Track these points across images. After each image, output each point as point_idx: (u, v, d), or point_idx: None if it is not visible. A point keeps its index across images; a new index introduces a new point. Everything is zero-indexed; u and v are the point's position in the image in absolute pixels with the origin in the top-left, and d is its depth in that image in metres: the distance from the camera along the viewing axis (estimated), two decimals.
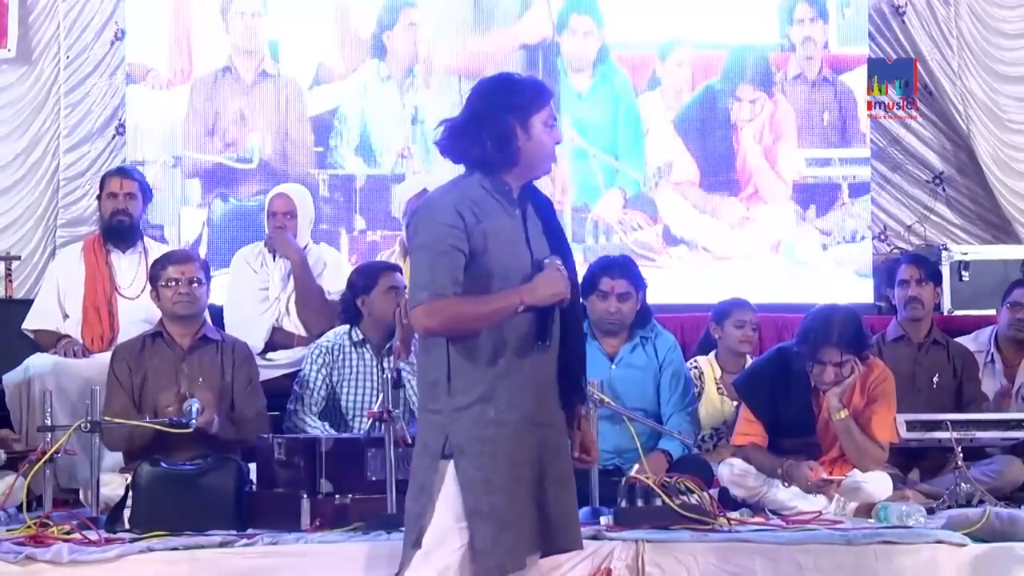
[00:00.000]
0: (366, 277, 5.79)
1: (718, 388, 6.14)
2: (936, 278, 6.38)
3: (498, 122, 3.49)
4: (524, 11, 7.90)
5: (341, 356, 5.73)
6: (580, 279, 5.60)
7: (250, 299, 6.40)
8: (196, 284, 5.46)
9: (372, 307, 5.71)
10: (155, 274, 5.52)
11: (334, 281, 6.40)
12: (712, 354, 6.21)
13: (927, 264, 6.45)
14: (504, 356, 3.47)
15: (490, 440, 3.44)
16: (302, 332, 6.27)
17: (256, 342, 6.07)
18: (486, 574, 3.41)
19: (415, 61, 7.82)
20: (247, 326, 6.20)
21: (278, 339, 6.30)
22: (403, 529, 3.55)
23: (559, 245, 3.62)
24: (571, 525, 3.57)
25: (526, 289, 3.47)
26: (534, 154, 3.55)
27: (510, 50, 7.87)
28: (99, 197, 6.57)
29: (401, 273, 5.80)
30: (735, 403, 6.05)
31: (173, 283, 5.43)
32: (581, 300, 5.60)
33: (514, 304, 3.45)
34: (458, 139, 3.54)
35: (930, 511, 5.11)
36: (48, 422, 4.99)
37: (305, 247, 6.45)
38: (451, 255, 3.44)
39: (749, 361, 6.26)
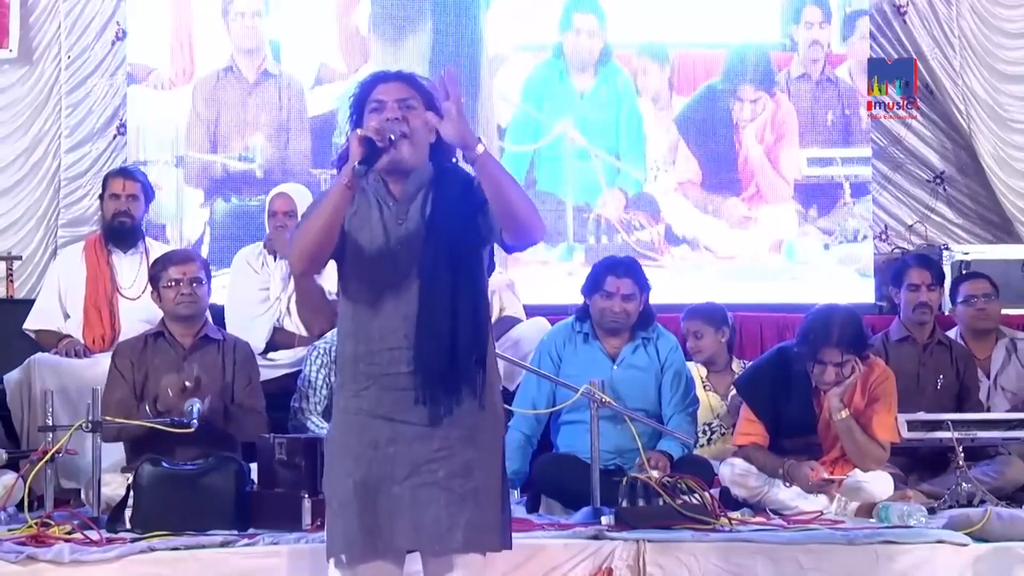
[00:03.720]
0: None
1: (705, 386, 6.19)
2: (942, 281, 6.39)
3: (344, 133, 3.57)
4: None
5: None
6: (584, 279, 5.69)
7: (251, 299, 6.40)
8: (197, 284, 5.46)
9: None
10: (156, 274, 5.51)
11: (331, 280, 6.40)
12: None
13: (935, 267, 6.45)
14: (352, 344, 3.47)
15: (337, 426, 3.50)
16: (303, 332, 6.27)
17: (257, 342, 6.07)
18: (330, 559, 3.43)
19: (414, 61, 7.82)
20: (248, 326, 6.20)
21: (279, 339, 6.31)
22: None
23: (432, 227, 3.46)
24: (431, 527, 3.38)
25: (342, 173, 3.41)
26: None
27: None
28: (101, 197, 6.57)
29: None
30: (724, 400, 6.10)
31: (175, 283, 5.43)
32: (586, 300, 5.65)
33: (338, 185, 3.39)
34: (338, 161, 3.56)
35: (931, 511, 5.11)
36: (49, 422, 4.99)
37: None
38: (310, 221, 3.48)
39: (737, 364, 6.32)
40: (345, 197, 3.39)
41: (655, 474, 4.90)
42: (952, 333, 6.44)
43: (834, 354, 5.20)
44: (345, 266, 3.51)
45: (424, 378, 3.42)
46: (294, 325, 6.35)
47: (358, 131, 3.39)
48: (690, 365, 6.15)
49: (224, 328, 5.99)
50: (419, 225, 3.48)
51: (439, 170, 3.54)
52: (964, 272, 6.84)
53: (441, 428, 3.44)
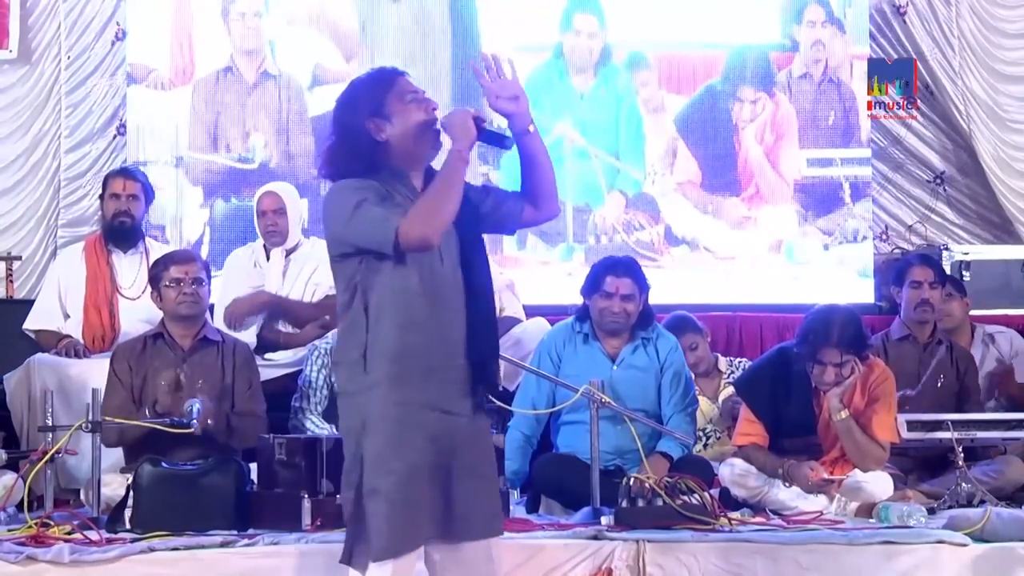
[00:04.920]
0: None
1: (698, 391, 6.20)
2: (944, 281, 6.39)
3: (351, 130, 3.51)
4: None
5: None
6: (584, 280, 5.69)
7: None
8: (198, 284, 5.45)
9: None
10: (156, 274, 5.49)
11: (329, 275, 6.40)
12: None
13: (937, 266, 6.46)
14: (408, 336, 3.44)
15: (392, 419, 3.42)
16: (290, 330, 6.28)
17: (247, 339, 6.06)
18: (376, 555, 3.37)
19: (415, 60, 7.82)
20: None
21: (267, 337, 6.28)
22: None
23: (466, 229, 3.55)
24: (475, 516, 3.50)
25: (458, 143, 3.45)
26: (403, 135, 3.52)
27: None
28: (101, 197, 6.57)
29: None
30: (715, 402, 6.12)
31: (176, 283, 5.41)
32: (586, 300, 5.65)
33: (459, 164, 3.43)
34: (324, 160, 3.56)
35: (931, 511, 5.11)
36: (49, 422, 5.00)
37: (297, 244, 6.44)
38: (380, 199, 3.45)
39: (723, 361, 6.32)
40: (464, 172, 3.46)
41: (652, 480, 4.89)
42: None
43: (834, 354, 5.20)
44: (393, 259, 3.46)
45: (473, 369, 3.51)
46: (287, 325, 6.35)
47: (470, 109, 3.49)
48: None
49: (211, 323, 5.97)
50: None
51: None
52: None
53: (477, 418, 3.56)
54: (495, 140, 3.54)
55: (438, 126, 3.51)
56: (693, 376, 6.21)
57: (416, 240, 3.40)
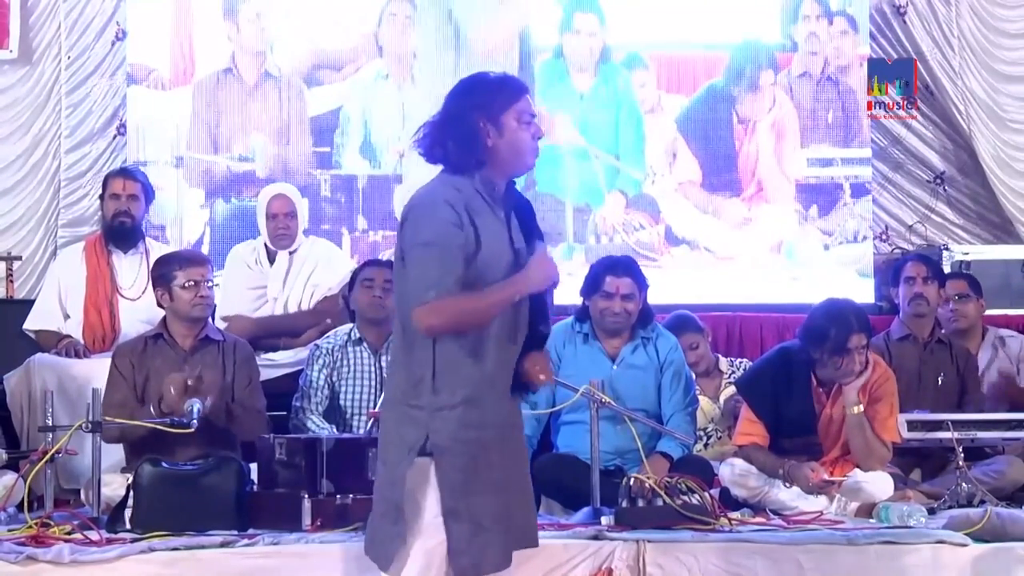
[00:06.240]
0: (352, 274, 5.87)
1: (698, 391, 6.20)
2: (941, 278, 6.39)
3: (464, 123, 3.51)
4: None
5: (341, 355, 5.76)
6: (583, 280, 5.70)
7: (242, 297, 6.39)
8: (210, 286, 5.44)
9: (355, 302, 5.78)
10: (166, 273, 5.40)
11: (327, 275, 6.42)
12: None
13: (933, 263, 6.48)
14: (489, 358, 3.48)
15: (472, 442, 3.45)
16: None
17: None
18: (461, 573, 3.42)
19: (414, 60, 7.82)
20: None
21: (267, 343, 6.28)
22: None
23: (533, 243, 3.64)
24: (532, 524, 3.65)
25: (519, 278, 3.49)
26: (508, 151, 3.54)
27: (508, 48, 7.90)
28: (101, 197, 6.57)
29: (380, 267, 5.80)
30: (715, 402, 6.11)
31: (194, 285, 5.36)
32: (585, 300, 5.65)
33: (511, 294, 3.48)
34: (431, 141, 3.56)
35: (931, 511, 5.11)
36: (49, 422, 4.99)
37: (298, 245, 6.44)
38: (457, 254, 3.44)
39: (724, 362, 6.32)
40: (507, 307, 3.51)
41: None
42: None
43: (860, 338, 5.24)
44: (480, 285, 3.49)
45: (521, 382, 3.60)
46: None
47: (557, 273, 3.61)
48: None
49: (212, 322, 5.98)
50: None
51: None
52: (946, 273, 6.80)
53: (520, 427, 3.69)
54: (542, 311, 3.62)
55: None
56: (694, 375, 6.22)
57: (424, 328, 3.45)
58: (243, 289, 6.41)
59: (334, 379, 5.73)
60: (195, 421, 4.99)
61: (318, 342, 5.92)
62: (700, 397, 6.18)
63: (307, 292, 6.35)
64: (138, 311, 6.22)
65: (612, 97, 7.92)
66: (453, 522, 3.42)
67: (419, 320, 3.44)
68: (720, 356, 6.51)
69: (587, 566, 4.49)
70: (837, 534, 4.70)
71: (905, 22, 8.08)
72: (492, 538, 3.44)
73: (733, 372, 6.35)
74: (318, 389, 5.76)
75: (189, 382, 5.08)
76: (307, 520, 4.67)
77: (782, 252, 7.93)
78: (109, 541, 4.52)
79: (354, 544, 4.46)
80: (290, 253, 6.44)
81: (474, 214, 3.49)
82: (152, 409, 5.16)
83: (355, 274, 5.89)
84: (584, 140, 7.87)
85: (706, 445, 6.17)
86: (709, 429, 6.22)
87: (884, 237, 8.04)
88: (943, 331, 6.33)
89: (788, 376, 5.38)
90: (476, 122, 3.51)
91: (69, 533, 4.59)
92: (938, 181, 8.11)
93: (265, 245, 6.52)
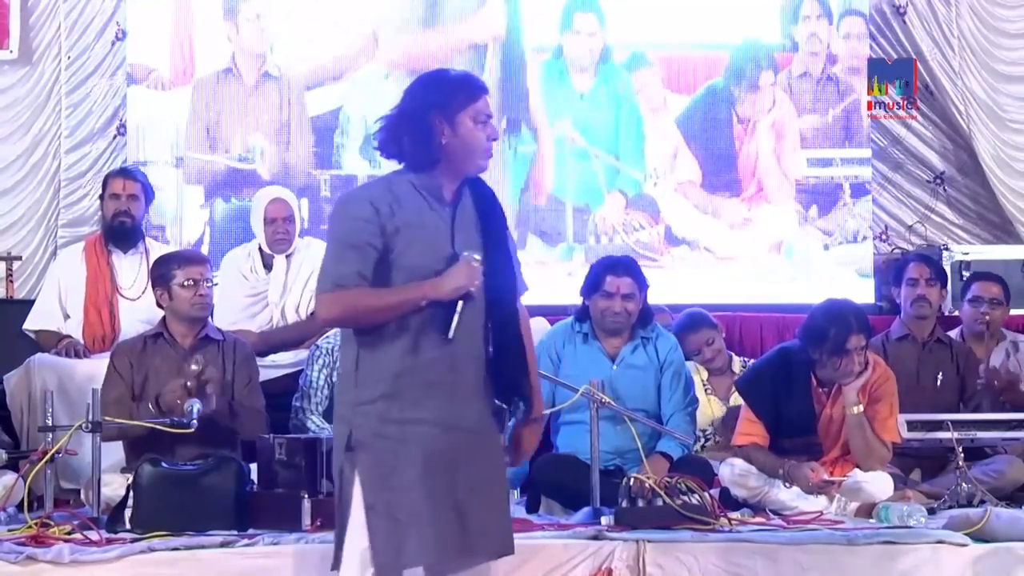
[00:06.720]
0: None
1: (706, 389, 6.20)
2: (943, 279, 6.40)
3: (419, 120, 3.50)
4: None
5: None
6: (583, 280, 5.70)
7: (238, 305, 6.37)
8: (210, 285, 5.44)
9: None
10: (166, 273, 5.40)
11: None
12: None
13: (935, 265, 6.48)
14: (409, 353, 3.44)
15: (390, 438, 3.42)
16: None
17: None
18: (380, 571, 3.38)
19: (417, 59, 7.82)
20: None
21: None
22: None
23: (493, 242, 3.57)
24: (491, 532, 3.50)
25: (430, 283, 3.45)
26: (461, 151, 3.53)
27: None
28: (101, 197, 6.57)
29: None
30: (725, 404, 6.09)
31: (193, 284, 5.36)
32: (585, 300, 5.64)
33: (415, 298, 3.44)
34: (386, 136, 3.55)
35: (931, 511, 5.11)
36: (49, 422, 4.99)
37: (295, 248, 6.43)
38: (360, 249, 3.44)
39: (737, 361, 6.31)
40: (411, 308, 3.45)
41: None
42: (953, 334, 6.44)
43: (860, 339, 5.24)
44: (393, 270, 3.48)
45: (496, 383, 3.53)
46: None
47: (476, 283, 3.46)
48: (692, 368, 6.17)
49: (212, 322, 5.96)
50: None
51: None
52: (979, 272, 6.76)
53: (486, 432, 3.55)
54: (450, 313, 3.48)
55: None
56: (707, 373, 6.22)
57: (322, 318, 3.54)
58: (240, 298, 6.39)
59: (334, 379, 5.73)
60: (195, 421, 4.99)
61: (318, 342, 5.92)
62: (709, 396, 6.18)
63: (306, 295, 6.34)
64: (138, 311, 6.21)
65: (612, 97, 7.92)
66: (372, 518, 3.39)
67: (317, 310, 3.52)
68: (733, 355, 6.47)
69: (587, 566, 4.49)
70: (837, 534, 4.70)
71: (905, 22, 8.07)
72: (411, 533, 3.37)
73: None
74: (318, 389, 5.76)
75: (188, 383, 5.08)
76: (307, 520, 4.67)
77: (782, 252, 7.93)
78: (109, 541, 4.52)
79: None
80: (287, 257, 6.42)
81: (403, 211, 3.47)
82: (151, 407, 5.17)
83: None
84: (584, 140, 7.87)
85: (703, 448, 6.14)
86: (708, 432, 6.19)
87: (884, 237, 8.04)
88: (964, 330, 6.37)
89: (788, 376, 5.38)
90: (432, 119, 3.50)
91: (69, 533, 4.60)
92: (938, 181, 8.11)
93: (260, 249, 6.49)
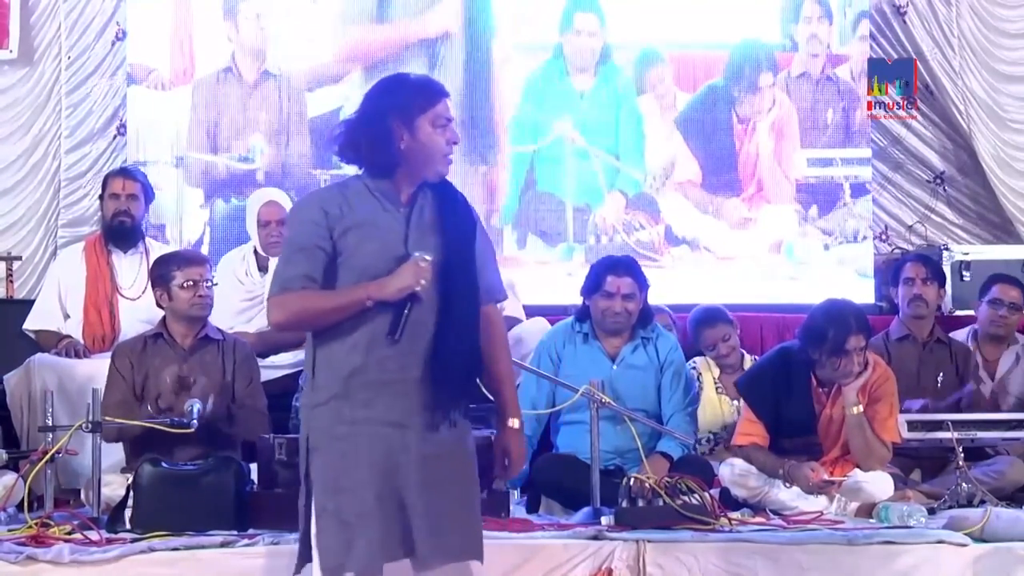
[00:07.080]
0: None
1: (717, 388, 6.16)
2: (940, 279, 6.40)
3: (376, 124, 3.50)
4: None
5: None
6: (583, 280, 5.70)
7: (233, 309, 6.35)
8: (208, 285, 5.44)
9: None
10: (165, 273, 5.41)
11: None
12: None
13: (933, 264, 6.48)
14: (359, 353, 3.43)
15: (342, 438, 3.41)
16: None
17: None
18: (327, 571, 3.37)
19: (418, 60, 7.82)
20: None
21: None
22: None
23: (450, 244, 3.53)
24: (447, 533, 3.43)
25: (375, 283, 3.43)
26: (420, 156, 3.52)
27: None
28: (101, 197, 6.57)
29: None
30: (735, 403, 6.06)
31: (193, 285, 5.37)
32: (586, 300, 5.65)
33: (360, 298, 3.43)
34: (345, 140, 3.55)
35: (931, 511, 5.11)
36: (49, 422, 4.99)
37: None
38: (309, 252, 3.46)
39: (749, 360, 6.30)
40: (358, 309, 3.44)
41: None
42: (966, 331, 6.44)
43: (859, 340, 5.24)
44: (343, 271, 3.49)
45: (439, 382, 3.45)
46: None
47: (423, 282, 3.42)
48: (703, 366, 6.16)
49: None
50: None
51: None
52: (1000, 274, 6.70)
53: (446, 433, 3.48)
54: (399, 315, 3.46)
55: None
56: (719, 371, 6.20)
57: (272, 322, 3.53)
58: (236, 302, 6.38)
59: None
60: (195, 421, 5.00)
61: None
62: (720, 396, 6.15)
63: None
64: (138, 311, 6.21)
65: (612, 97, 7.92)
66: (322, 518, 3.38)
67: (268, 314, 3.55)
68: (746, 353, 6.45)
69: (587, 566, 4.49)
70: (837, 534, 4.70)
71: (905, 22, 8.07)
72: (357, 535, 3.35)
73: None
74: None
75: (183, 372, 5.08)
76: None
77: (782, 252, 7.93)
78: (109, 541, 4.52)
79: None
80: None
81: (354, 212, 3.47)
82: (150, 407, 5.17)
83: None
84: (584, 140, 7.86)
85: (711, 451, 6.08)
86: (721, 435, 6.07)
87: (884, 237, 8.04)
88: (980, 330, 6.38)
89: (788, 376, 5.38)
90: (390, 124, 3.49)
91: (69, 533, 4.60)
92: (938, 181, 8.11)
93: (255, 251, 6.49)
